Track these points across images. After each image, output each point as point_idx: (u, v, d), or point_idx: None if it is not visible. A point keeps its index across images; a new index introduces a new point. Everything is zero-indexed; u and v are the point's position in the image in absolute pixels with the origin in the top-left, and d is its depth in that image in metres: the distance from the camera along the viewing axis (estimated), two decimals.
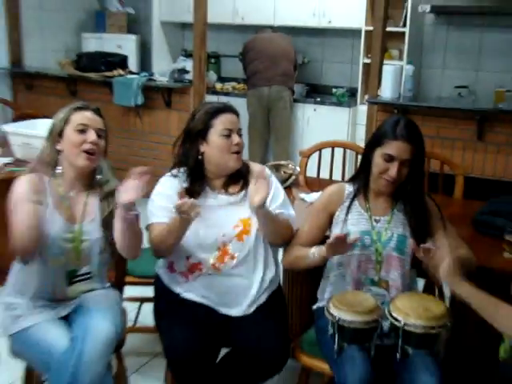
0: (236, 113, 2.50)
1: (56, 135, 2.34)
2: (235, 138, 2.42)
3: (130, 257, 2.43)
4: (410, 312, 2.12)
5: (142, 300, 3.14)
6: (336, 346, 2.17)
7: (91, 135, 2.29)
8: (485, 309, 1.85)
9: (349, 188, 2.45)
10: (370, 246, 2.35)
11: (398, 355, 2.15)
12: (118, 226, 2.26)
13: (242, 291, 2.44)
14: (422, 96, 5.59)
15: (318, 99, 6.22)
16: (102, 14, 7.11)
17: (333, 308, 2.19)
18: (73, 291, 2.36)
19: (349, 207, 2.40)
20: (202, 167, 2.47)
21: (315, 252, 2.32)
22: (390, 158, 2.27)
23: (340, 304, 2.19)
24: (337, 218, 2.41)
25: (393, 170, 2.27)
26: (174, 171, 2.51)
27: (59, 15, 6.80)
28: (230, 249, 2.43)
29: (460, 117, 4.61)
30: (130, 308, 3.13)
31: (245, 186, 2.48)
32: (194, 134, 2.45)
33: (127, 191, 2.12)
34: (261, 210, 2.32)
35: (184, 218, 2.23)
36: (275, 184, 2.55)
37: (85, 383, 2.06)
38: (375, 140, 2.35)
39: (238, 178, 2.51)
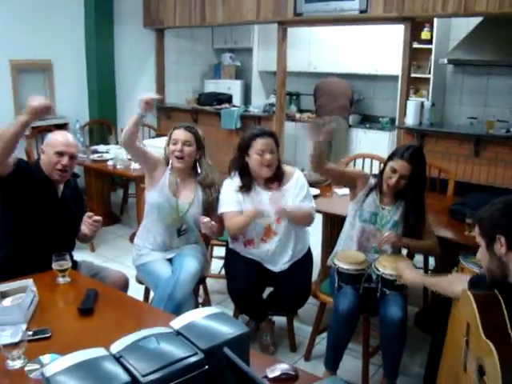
0: (271, 135, 2.61)
1: (166, 146, 2.67)
2: (267, 156, 2.55)
3: (215, 237, 2.81)
4: (388, 265, 2.29)
5: None
6: (336, 285, 2.37)
7: (178, 145, 2.58)
8: (439, 286, 1.97)
9: (371, 180, 2.56)
10: (374, 223, 2.49)
11: (378, 294, 2.32)
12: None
13: (280, 256, 2.65)
14: (445, 124, 5.53)
15: (368, 125, 6.29)
16: (219, 66, 7.46)
17: (336, 260, 2.40)
18: (178, 242, 2.66)
19: (369, 192, 2.52)
20: (249, 171, 2.63)
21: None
22: (393, 170, 2.39)
23: (341, 257, 2.41)
24: (357, 196, 2.53)
25: (393, 179, 2.39)
26: (232, 174, 2.69)
27: (190, 68, 7.18)
28: (272, 228, 2.63)
29: (462, 138, 4.61)
30: (218, 264, 3.45)
31: (280, 186, 2.63)
32: (242, 149, 2.62)
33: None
34: (282, 215, 2.55)
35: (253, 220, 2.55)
36: (301, 182, 2.66)
37: (179, 296, 2.37)
38: (390, 155, 2.46)
39: (276, 179, 2.65)
